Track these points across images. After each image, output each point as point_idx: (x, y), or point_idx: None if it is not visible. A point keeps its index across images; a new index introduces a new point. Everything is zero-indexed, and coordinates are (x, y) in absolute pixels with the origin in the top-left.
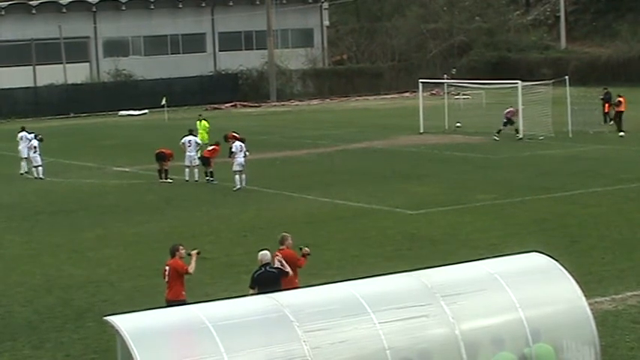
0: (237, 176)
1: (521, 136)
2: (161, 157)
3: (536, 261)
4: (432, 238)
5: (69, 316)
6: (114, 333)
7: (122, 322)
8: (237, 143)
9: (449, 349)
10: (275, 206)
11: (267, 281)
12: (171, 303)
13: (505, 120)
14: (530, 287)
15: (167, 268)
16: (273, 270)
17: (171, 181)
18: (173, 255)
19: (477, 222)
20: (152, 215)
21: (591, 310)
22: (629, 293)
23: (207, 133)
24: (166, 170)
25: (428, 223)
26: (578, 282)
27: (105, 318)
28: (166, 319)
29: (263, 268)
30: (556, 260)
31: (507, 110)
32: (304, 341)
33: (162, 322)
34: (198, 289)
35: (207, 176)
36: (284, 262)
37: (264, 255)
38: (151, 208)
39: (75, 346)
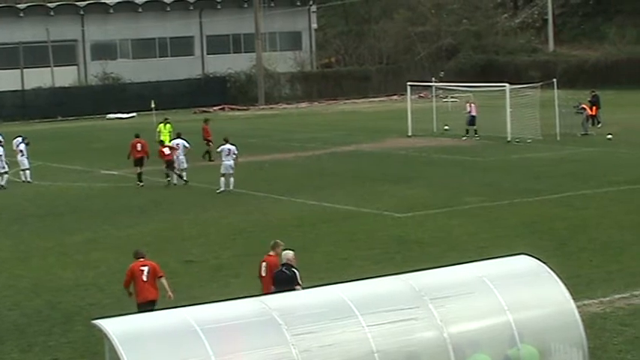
0: (222, 179)
1: (465, 138)
2: (139, 162)
3: (524, 264)
4: (420, 240)
5: (57, 319)
6: (102, 336)
7: (110, 326)
8: (226, 146)
9: (437, 351)
10: (264, 209)
11: (280, 281)
12: (152, 302)
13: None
14: (519, 290)
15: (146, 268)
16: (286, 271)
17: (142, 184)
18: (142, 257)
19: (465, 225)
20: (140, 218)
21: (579, 312)
22: (617, 296)
23: (170, 136)
24: (139, 173)
25: (416, 225)
26: (566, 284)
27: (93, 321)
28: (155, 322)
29: (281, 267)
30: (544, 263)
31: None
32: (293, 345)
33: (150, 325)
34: (186, 292)
35: (168, 177)
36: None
37: (286, 254)
38: (140, 211)
39: (63, 349)
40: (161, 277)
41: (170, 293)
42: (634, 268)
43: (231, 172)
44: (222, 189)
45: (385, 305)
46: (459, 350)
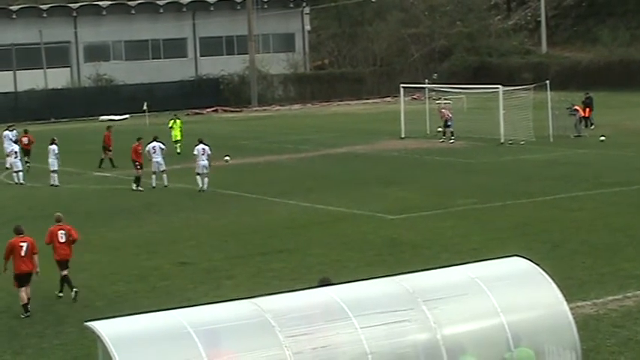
0: (198, 177)
1: (452, 141)
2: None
3: (517, 265)
4: (413, 242)
5: (49, 321)
6: (95, 338)
7: (103, 328)
8: (200, 146)
9: (430, 353)
10: (256, 211)
11: None
12: (28, 274)
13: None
14: (512, 292)
15: (25, 244)
16: None
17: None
18: (22, 233)
19: (458, 227)
20: (133, 221)
21: (572, 314)
22: (610, 297)
23: (181, 131)
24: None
25: (409, 227)
26: (559, 286)
27: (85, 323)
28: (147, 324)
29: None
30: (537, 265)
31: (444, 110)
32: (286, 346)
33: (143, 327)
34: (179, 294)
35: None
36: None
37: None
38: (132, 213)
39: (56, 352)
40: (35, 253)
41: (37, 269)
42: (626, 269)
43: (206, 172)
44: (200, 187)
45: (378, 307)
46: (452, 352)
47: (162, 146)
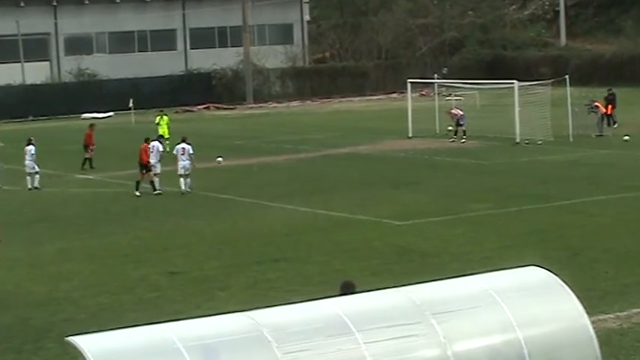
0: (181, 179)
1: (463, 140)
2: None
3: (534, 275)
4: (421, 250)
5: (28, 336)
6: (76, 355)
7: (86, 343)
8: (179, 146)
9: None
10: (251, 217)
11: None
12: None
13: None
14: (528, 304)
15: None
16: None
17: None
18: None
19: (470, 233)
20: (118, 227)
21: (594, 328)
22: (634, 310)
23: (168, 127)
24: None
25: (417, 234)
26: (579, 298)
27: (67, 338)
28: (133, 339)
29: None
30: (556, 275)
31: (454, 111)
32: None
33: (129, 342)
34: (168, 306)
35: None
36: None
37: None
38: (118, 219)
39: None
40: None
41: None
42: None
43: (187, 172)
44: (183, 190)
45: (384, 321)
46: None
47: (161, 148)
